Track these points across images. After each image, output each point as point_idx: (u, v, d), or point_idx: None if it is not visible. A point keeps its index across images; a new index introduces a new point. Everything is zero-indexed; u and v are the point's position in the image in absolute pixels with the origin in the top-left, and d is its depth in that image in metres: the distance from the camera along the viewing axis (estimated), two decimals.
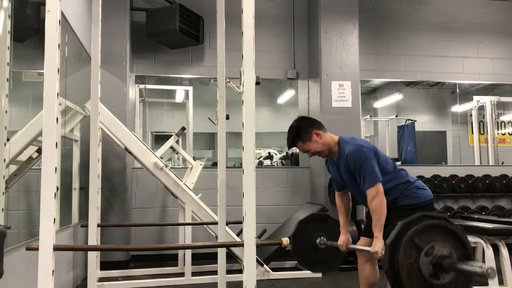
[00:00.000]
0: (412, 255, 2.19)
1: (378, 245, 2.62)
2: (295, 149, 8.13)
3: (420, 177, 6.08)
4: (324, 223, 3.55)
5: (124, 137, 4.50)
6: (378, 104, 9.58)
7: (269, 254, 4.77)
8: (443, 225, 2.25)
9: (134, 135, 4.64)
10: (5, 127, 2.69)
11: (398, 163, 7.82)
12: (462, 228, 2.29)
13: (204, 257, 5.01)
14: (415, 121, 8.69)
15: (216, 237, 3.75)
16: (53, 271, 1.66)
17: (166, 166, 4.53)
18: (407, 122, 8.73)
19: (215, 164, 6.95)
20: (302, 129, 2.89)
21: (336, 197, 3.14)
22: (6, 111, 2.70)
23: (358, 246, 2.96)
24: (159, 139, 9.20)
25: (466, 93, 7.93)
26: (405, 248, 2.19)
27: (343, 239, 3.08)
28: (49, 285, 1.63)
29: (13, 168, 3.21)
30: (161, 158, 4.67)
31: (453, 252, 2.19)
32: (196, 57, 6.03)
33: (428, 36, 6.62)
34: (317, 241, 3.41)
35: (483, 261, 4.30)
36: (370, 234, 2.93)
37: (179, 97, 8.05)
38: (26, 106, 3.69)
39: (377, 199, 2.68)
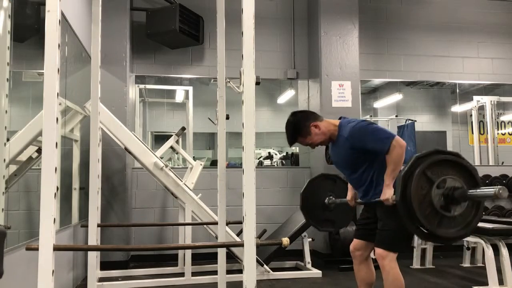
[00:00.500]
0: (424, 187, 2.23)
1: (388, 192, 2.56)
2: (295, 148, 8.13)
3: None
4: (334, 183, 3.57)
5: (124, 137, 4.50)
6: (378, 104, 9.58)
7: (269, 254, 4.77)
8: (455, 160, 2.28)
9: (134, 135, 4.64)
10: (5, 127, 2.69)
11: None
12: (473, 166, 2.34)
13: (204, 257, 5.01)
14: (415, 121, 8.69)
15: (216, 237, 3.75)
16: (53, 271, 1.66)
17: (166, 166, 4.53)
18: (407, 122, 8.73)
19: (213, 163, 6.95)
20: (300, 125, 2.87)
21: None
22: (6, 111, 2.70)
23: (367, 201, 2.88)
24: (159, 139, 9.19)
25: (466, 93, 7.93)
26: (418, 180, 2.22)
27: (351, 195, 3.07)
28: (49, 285, 1.63)
29: (13, 168, 3.21)
30: (161, 158, 4.67)
31: (464, 185, 2.22)
32: (196, 57, 6.03)
33: (428, 36, 6.62)
34: (326, 200, 3.43)
35: (483, 261, 4.30)
36: (363, 237, 2.93)
37: (179, 97, 8.05)
38: (26, 106, 3.69)
39: (398, 148, 2.60)
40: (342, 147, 2.82)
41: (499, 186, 1.99)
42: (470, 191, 2.16)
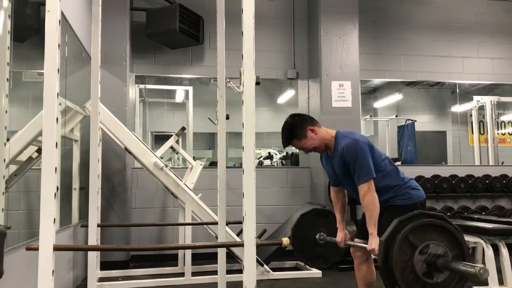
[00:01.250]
0: (407, 253, 2.17)
1: (374, 242, 2.58)
2: (294, 149, 8.13)
3: (420, 177, 6.09)
4: (325, 218, 3.58)
5: (124, 137, 4.50)
6: (378, 104, 9.58)
7: (269, 254, 4.77)
8: (439, 224, 2.22)
9: (134, 135, 4.64)
10: (5, 127, 2.69)
11: (398, 163, 7.82)
12: (459, 228, 2.26)
13: (204, 257, 5.02)
14: (415, 121, 8.69)
15: (216, 237, 3.75)
16: (53, 271, 1.66)
17: (166, 166, 4.53)
18: (407, 122, 8.73)
19: (212, 164, 6.95)
20: (297, 127, 2.87)
21: (332, 192, 3.10)
22: (6, 111, 2.70)
23: (355, 242, 2.95)
24: (159, 139, 9.20)
25: (466, 93, 7.93)
26: (400, 245, 2.16)
27: (341, 236, 3.07)
28: (49, 285, 1.63)
29: (13, 168, 3.20)
30: (161, 158, 4.67)
31: (448, 251, 2.17)
32: (196, 57, 6.03)
33: (428, 36, 6.62)
34: (317, 236, 3.45)
35: (483, 261, 4.30)
36: (363, 236, 2.93)
37: (179, 97, 8.06)
38: (26, 106, 3.69)
39: (369, 195, 2.66)
40: (338, 160, 2.83)
41: (480, 266, 1.94)
42: (453, 264, 2.10)
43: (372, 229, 2.63)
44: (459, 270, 2.08)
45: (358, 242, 2.97)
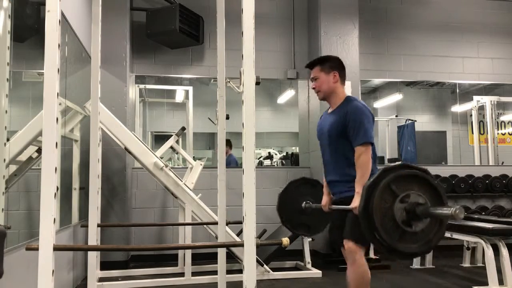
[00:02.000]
0: (388, 201, 2.18)
1: (358, 200, 2.50)
2: (295, 148, 8.10)
3: None
4: (314, 188, 3.59)
5: (124, 137, 4.50)
6: (378, 104, 9.58)
7: (269, 254, 4.77)
8: (421, 176, 2.23)
9: (134, 135, 4.64)
10: (5, 127, 2.69)
11: (398, 163, 7.82)
12: (441, 184, 2.33)
13: (204, 257, 5.01)
14: (415, 121, 8.70)
15: (216, 237, 3.75)
16: (53, 271, 1.66)
17: (166, 166, 4.53)
18: (407, 122, 8.73)
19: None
20: (331, 62, 2.94)
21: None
22: (6, 111, 2.70)
23: (339, 206, 2.87)
24: (159, 139, 9.20)
25: (466, 93, 7.93)
26: (381, 193, 2.17)
27: (326, 200, 3.05)
28: (49, 285, 1.63)
29: (13, 168, 3.20)
30: (161, 158, 4.67)
31: (428, 202, 2.17)
32: (196, 57, 6.03)
33: (428, 36, 6.62)
34: (303, 204, 3.46)
35: (483, 261, 4.30)
36: (335, 236, 2.92)
37: (179, 97, 8.06)
38: (26, 106, 3.69)
39: (365, 156, 2.68)
40: (337, 118, 2.83)
41: (457, 207, 1.97)
42: (431, 208, 2.12)
43: (359, 188, 2.58)
44: (436, 214, 2.10)
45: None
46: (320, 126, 3.03)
